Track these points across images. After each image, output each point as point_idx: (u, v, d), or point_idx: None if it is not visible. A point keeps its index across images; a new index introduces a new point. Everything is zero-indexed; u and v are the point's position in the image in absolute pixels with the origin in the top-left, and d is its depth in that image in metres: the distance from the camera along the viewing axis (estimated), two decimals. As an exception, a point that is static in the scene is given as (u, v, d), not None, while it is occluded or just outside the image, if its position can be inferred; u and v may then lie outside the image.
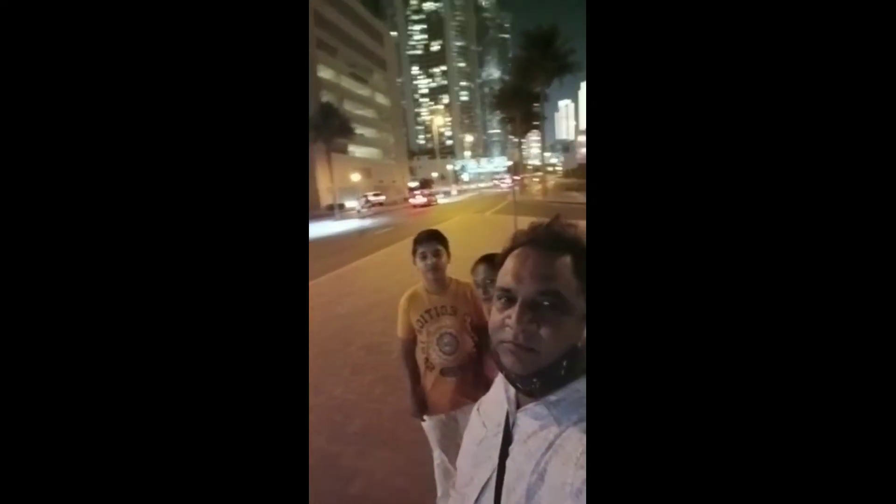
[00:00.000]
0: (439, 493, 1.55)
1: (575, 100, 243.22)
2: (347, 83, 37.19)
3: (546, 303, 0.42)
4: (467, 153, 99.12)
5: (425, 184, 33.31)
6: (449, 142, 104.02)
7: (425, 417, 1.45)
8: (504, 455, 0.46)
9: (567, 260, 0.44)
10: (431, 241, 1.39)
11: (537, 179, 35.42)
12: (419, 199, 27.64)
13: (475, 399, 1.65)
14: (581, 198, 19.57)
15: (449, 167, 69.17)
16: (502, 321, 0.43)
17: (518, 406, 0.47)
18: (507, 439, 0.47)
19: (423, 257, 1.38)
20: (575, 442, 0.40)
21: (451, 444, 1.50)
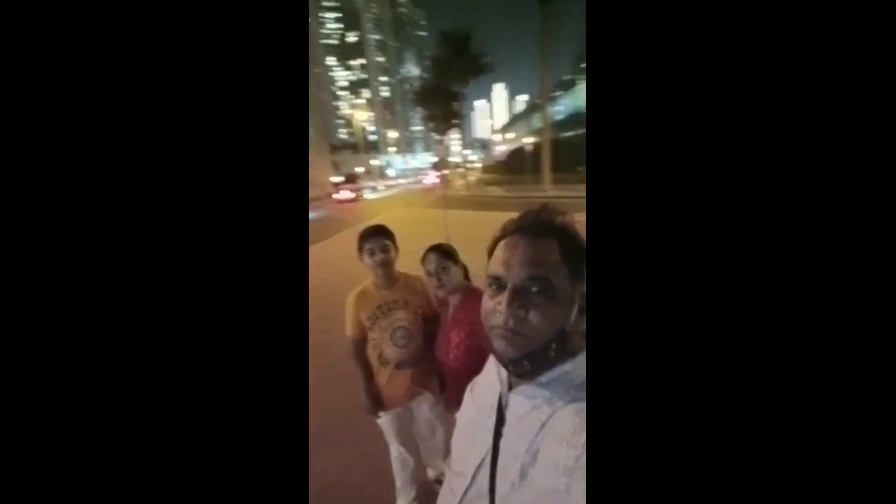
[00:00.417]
0: (398, 484, 1.58)
1: (489, 100, 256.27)
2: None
3: (535, 288, 0.43)
4: (392, 149, 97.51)
5: (350, 179, 31.82)
6: (372, 137, 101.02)
7: (381, 413, 1.45)
8: (498, 436, 0.47)
9: (555, 246, 0.44)
10: (378, 237, 1.35)
11: (459, 174, 36.67)
12: (345, 194, 26.43)
13: (430, 388, 1.52)
14: (499, 192, 20.91)
15: (374, 162, 67.21)
16: (493, 307, 0.44)
17: (510, 388, 0.48)
18: (500, 420, 0.48)
19: (371, 253, 1.34)
20: (566, 421, 0.41)
21: (408, 434, 1.53)
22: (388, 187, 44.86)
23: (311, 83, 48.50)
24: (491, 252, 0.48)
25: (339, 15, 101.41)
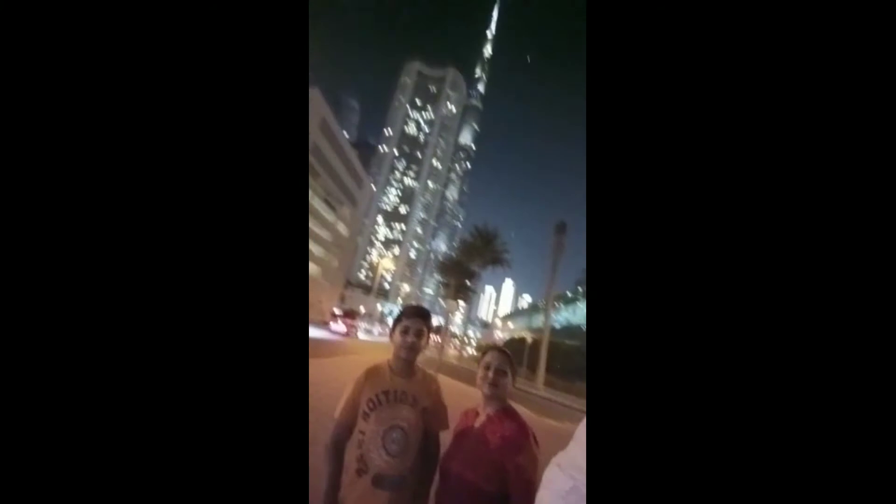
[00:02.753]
0: None
1: (498, 289, 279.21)
2: (318, 204, 40.53)
3: None
4: (399, 300, 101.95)
5: (350, 314, 32.43)
6: (386, 285, 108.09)
7: None
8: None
9: None
10: (418, 318, 1.23)
11: (455, 345, 36.71)
12: (339, 325, 26.34)
13: None
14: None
15: (379, 307, 69.34)
16: None
17: None
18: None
19: (405, 331, 1.21)
20: None
21: None
22: (382, 334, 44.69)
23: (355, 227, 56.64)
24: None
25: (399, 192, 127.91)
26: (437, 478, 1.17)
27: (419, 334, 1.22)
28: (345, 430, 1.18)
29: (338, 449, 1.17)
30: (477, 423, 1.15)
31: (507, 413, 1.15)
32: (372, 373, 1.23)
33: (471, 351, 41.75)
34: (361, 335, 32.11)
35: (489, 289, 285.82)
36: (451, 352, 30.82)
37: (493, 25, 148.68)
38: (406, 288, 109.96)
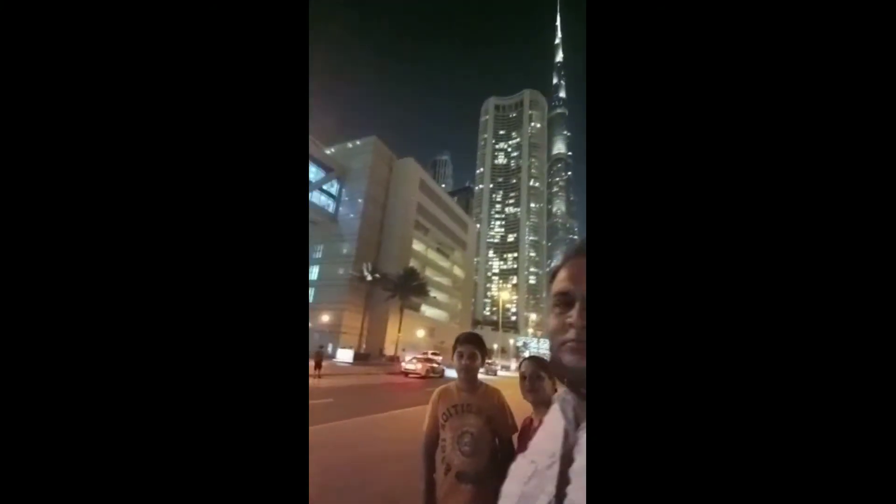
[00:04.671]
0: None
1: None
2: (433, 255, 44.36)
3: None
4: (530, 330, 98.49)
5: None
6: (513, 318, 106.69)
7: None
8: (564, 482, 0.43)
9: None
10: (469, 344, 1.53)
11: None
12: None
13: None
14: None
15: (511, 341, 68.31)
16: (562, 323, 0.45)
17: (578, 425, 0.46)
18: (566, 466, 0.44)
19: (460, 356, 1.50)
20: None
21: None
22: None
23: (470, 268, 58.91)
24: (553, 277, 0.50)
25: (504, 223, 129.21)
26: None
27: (472, 356, 1.51)
28: (430, 440, 1.49)
29: (428, 454, 1.49)
30: (534, 426, 1.32)
31: None
32: (443, 392, 1.55)
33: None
34: (501, 372, 31.93)
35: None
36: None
37: (558, 32, 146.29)
38: (534, 317, 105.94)
